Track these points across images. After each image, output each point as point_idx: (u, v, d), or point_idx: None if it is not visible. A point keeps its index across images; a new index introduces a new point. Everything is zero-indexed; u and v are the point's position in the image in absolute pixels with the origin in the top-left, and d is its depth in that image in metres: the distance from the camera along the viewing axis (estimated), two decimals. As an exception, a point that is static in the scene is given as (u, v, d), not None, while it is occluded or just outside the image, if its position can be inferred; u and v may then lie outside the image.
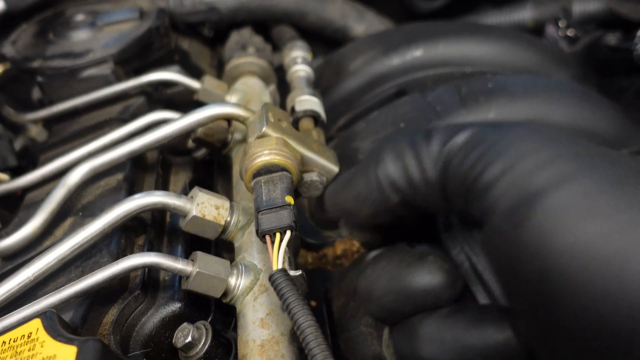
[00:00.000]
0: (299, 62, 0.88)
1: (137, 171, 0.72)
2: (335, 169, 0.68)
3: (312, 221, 0.85)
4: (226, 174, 0.81)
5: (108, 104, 0.86)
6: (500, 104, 0.81)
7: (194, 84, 0.83)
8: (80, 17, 0.94)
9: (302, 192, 0.68)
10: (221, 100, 0.84)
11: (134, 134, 0.74)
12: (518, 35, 1.01)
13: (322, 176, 0.68)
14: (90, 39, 0.90)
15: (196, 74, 1.01)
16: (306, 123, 0.77)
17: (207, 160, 0.82)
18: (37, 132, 0.95)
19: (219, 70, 1.07)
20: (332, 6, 1.07)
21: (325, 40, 1.16)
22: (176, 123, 0.68)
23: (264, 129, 0.64)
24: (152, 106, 0.87)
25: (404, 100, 0.87)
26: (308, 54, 0.90)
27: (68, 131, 0.85)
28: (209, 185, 0.78)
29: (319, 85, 1.06)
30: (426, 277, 0.46)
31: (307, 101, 0.79)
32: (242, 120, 0.69)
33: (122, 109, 0.84)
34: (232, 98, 0.85)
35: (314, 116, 0.78)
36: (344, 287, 0.72)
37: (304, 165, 0.67)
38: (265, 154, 0.60)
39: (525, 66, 0.99)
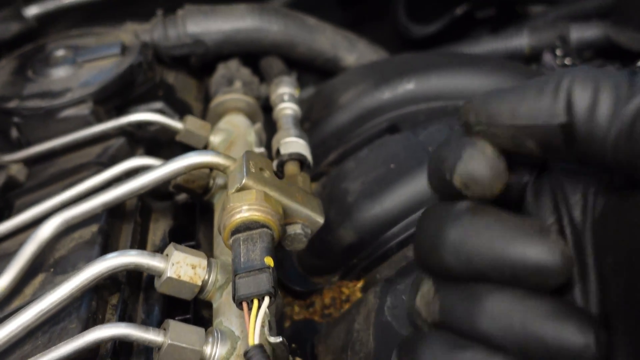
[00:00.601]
0: (286, 99, 0.85)
1: (114, 221, 0.70)
2: (320, 220, 0.66)
3: (299, 267, 0.82)
4: (209, 219, 0.78)
5: (87, 145, 0.83)
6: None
7: (176, 124, 0.81)
8: (60, 53, 0.91)
9: (285, 245, 0.65)
10: (205, 141, 0.81)
11: (111, 181, 0.71)
12: (513, 67, 0.99)
13: (307, 228, 0.65)
14: (70, 76, 0.87)
15: (182, 108, 0.98)
16: (291, 167, 0.75)
17: (189, 204, 0.79)
18: (17, 170, 0.92)
19: (206, 103, 1.05)
20: (322, 37, 1.05)
21: (316, 69, 1.14)
22: (153, 173, 0.65)
23: (244, 180, 0.61)
24: (133, 147, 0.85)
25: (395, 138, 0.85)
26: (295, 90, 0.88)
27: (46, 174, 0.83)
28: (190, 233, 0.75)
29: (309, 117, 1.03)
30: (546, 254, 0.37)
31: (292, 143, 0.76)
32: (222, 170, 0.66)
33: (101, 151, 0.82)
34: (216, 138, 0.82)
35: (300, 159, 0.75)
36: (331, 343, 0.69)
37: (288, 217, 0.64)
38: (244, 210, 0.57)
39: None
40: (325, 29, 1.06)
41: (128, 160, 0.72)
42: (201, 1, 1.24)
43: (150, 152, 0.87)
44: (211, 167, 0.66)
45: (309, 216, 0.65)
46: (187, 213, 0.79)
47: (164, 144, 0.89)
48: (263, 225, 0.58)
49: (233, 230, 0.58)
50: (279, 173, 0.77)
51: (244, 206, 0.58)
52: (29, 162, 0.86)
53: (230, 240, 0.58)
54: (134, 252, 0.57)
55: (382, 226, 0.78)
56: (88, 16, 1.32)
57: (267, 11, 1.00)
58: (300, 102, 1.06)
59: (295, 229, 0.64)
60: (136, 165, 0.72)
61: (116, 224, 0.70)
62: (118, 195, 0.65)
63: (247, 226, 0.57)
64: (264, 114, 0.92)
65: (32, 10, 1.19)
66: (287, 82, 0.88)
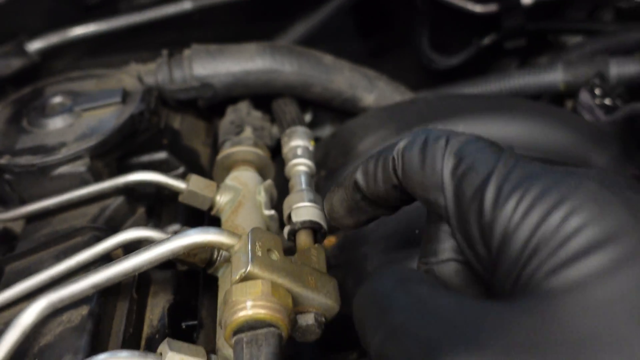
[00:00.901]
0: (299, 153, 0.78)
1: (107, 301, 0.63)
2: (335, 306, 0.59)
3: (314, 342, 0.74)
4: (215, 290, 0.71)
5: (84, 204, 0.77)
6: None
7: (178, 184, 0.74)
8: (57, 100, 0.85)
9: (296, 337, 0.58)
10: (209, 202, 0.75)
11: (104, 255, 0.65)
12: (549, 111, 0.91)
13: (320, 317, 0.58)
14: (67, 128, 0.81)
15: (188, 156, 0.92)
16: (304, 237, 0.67)
17: (192, 272, 0.72)
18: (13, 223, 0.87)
19: (215, 148, 0.98)
20: (340, 76, 0.98)
21: (334, 109, 1.07)
22: (146, 254, 0.58)
23: (249, 267, 0.54)
24: (133, 206, 0.78)
25: (419, 198, 0.77)
26: (310, 142, 0.81)
27: (39, 235, 0.77)
28: (192, 309, 0.68)
29: (325, 164, 0.96)
30: None
31: (306, 209, 0.69)
32: (225, 249, 0.59)
33: (98, 211, 0.76)
34: (222, 198, 0.76)
35: (314, 228, 0.68)
36: None
37: (299, 304, 0.57)
38: (248, 307, 0.51)
39: (558, 147, 0.88)
40: (342, 67, 0.99)
41: (123, 233, 0.65)
42: (210, 37, 1.18)
43: (151, 212, 0.80)
44: (213, 247, 0.59)
45: (323, 303, 0.58)
46: (189, 284, 0.72)
47: (168, 200, 0.82)
48: (270, 324, 0.51)
49: (235, 330, 0.51)
50: (291, 241, 0.70)
51: (248, 302, 0.51)
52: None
53: (233, 340, 0.51)
54: (124, 353, 0.51)
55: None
56: (94, 48, 1.27)
57: (279, 50, 0.93)
58: (316, 142, 0.99)
59: (308, 320, 0.57)
60: (133, 238, 0.65)
61: (110, 303, 0.64)
62: (109, 277, 0.59)
63: (251, 325, 0.51)
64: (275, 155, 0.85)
65: (35, 45, 1.14)
66: (301, 134, 0.81)
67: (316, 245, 0.67)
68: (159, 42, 1.08)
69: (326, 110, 1.10)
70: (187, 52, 0.93)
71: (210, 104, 0.97)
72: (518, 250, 0.34)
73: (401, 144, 0.43)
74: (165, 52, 0.94)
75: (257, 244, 0.57)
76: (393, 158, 0.43)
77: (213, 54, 0.92)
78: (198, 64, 0.91)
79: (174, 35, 1.29)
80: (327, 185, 0.96)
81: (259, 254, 0.56)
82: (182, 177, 0.87)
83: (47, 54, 1.16)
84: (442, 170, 0.39)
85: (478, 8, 1.25)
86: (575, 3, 1.28)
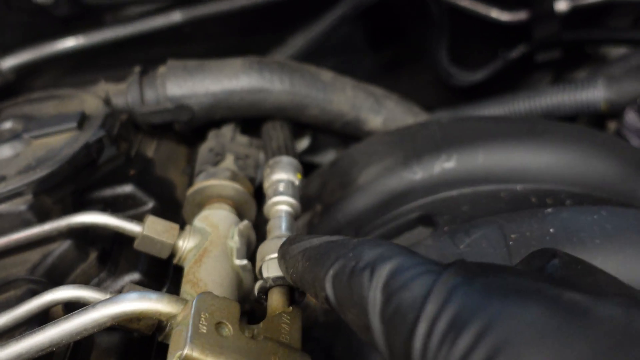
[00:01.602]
0: (281, 189, 0.66)
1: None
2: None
3: None
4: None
5: (25, 249, 0.65)
6: (567, 263, 0.56)
7: (132, 227, 0.63)
8: (7, 126, 0.75)
9: None
10: (169, 250, 0.63)
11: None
12: (588, 136, 0.77)
13: (285, 413, 0.45)
14: (11, 158, 0.71)
15: (160, 189, 0.81)
16: (276, 298, 0.55)
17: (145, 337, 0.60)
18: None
19: (196, 178, 0.86)
20: (341, 95, 0.86)
21: (335, 132, 0.94)
22: (73, 321, 0.47)
23: (186, 349, 0.42)
24: (84, 251, 0.67)
25: (426, 244, 0.63)
26: (296, 175, 0.68)
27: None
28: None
29: (321, 198, 0.84)
30: None
31: (281, 262, 0.56)
32: (165, 320, 0.47)
33: (39, 259, 0.64)
34: (186, 243, 0.64)
35: (290, 286, 0.55)
36: None
37: (257, 396, 0.44)
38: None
39: (600, 180, 0.74)
40: (344, 85, 0.87)
41: (53, 291, 0.54)
42: (202, 51, 1.08)
43: (107, 257, 0.69)
44: (148, 317, 0.47)
45: (289, 395, 0.45)
46: (141, 350, 0.60)
47: (129, 242, 0.71)
48: None
49: None
50: (262, 301, 0.57)
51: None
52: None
53: None
54: None
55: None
56: (78, 65, 1.18)
57: (268, 66, 0.82)
58: (315, 170, 0.87)
59: (266, 419, 0.44)
60: (62, 299, 0.54)
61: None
62: (32, 347, 0.47)
63: None
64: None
65: (8, 62, 1.05)
66: (286, 165, 0.69)
67: (291, 308, 0.54)
68: (148, 58, 0.98)
69: (330, 133, 0.98)
70: (161, 70, 0.82)
71: (190, 128, 0.86)
72: None
73: (331, 272, 0.40)
74: (137, 69, 0.83)
75: (202, 316, 0.45)
76: (323, 288, 0.41)
77: (191, 71, 0.81)
78: (173, 83, 0.80)
79: (164, 50, 1.19)
80: (322, 223, 0.83)
81: (204, 329, 0.44)
82: (153, 213, 0.77)
83: (23, 71, 1.07)
84: (370, 312, 0.36)
85: (505, 16, 1.12)
86: (617, 9, 1.13)
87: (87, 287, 0.54)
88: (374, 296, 0.36)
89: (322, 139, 1.02)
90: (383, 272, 0.37)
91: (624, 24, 1.15)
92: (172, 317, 0.47)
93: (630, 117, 0.89)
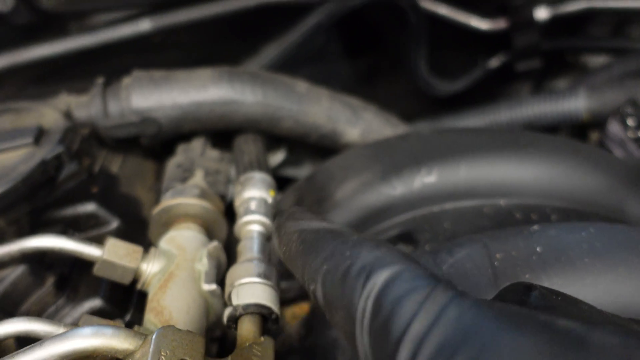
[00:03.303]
0: (253, 208, 0.62)
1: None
2: None
3: None
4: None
5: (-25, 275, 0.61)
6: (554, 285, 0.54)
7: (91, 251, 0.58)
8: (-42, 141, 0.70)
9: None
10: (131, 275, 0.58)
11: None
12: (573, 149, 0.74)
13: None
14: (-39, 177, 0.65)
15: (126, 207, 0.77)
16: (247, 327, 0.51)
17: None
18: None
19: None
20: (316, 107, 0.82)
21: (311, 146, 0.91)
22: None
23: (145, 393, 0.38)
24: (40, 277, 0.62)
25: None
26: (269, 192, 0.65)
27: None
28: None
29: (297, 214, 0.80)
30: None
31: (252, 288, 0.53)
32: (121, 357, 0.43)
33: (-10, 286, 0.59)
34: (151, 267, 0.60)
35: (262, 314, 0.52)
36: None
37: None
38: None
39: (586, 194, 0.71)
40: (320, 96, 0.84)
41: (1, 324, 0.49)
42: (173, 61, 1.04)
43: (65, 283, 0.64)
44: (103, 354, 0.43)
45: None
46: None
47: (89, 266, 0.66)
48: None
49: None
50: (232, 330, 0.53)
51: None
52: None
53: None
54: None
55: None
56: (42, 75, 1.13)
57: (239, 77, 0.78)
58: (290, 184, 0.83)
59: None
60: (10, 333, 0.49)
61: None
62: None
63: None
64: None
65: (-38, 73, 1.00)
66: (258, 182, 0.65)
67: (263, 338, 0.50)
68: (116, 68, 0.93)
69: (306, 146, 0.94)
70: (126, 81, 0.78)
71: (158, 143, 0.81)
72: None
73: (324, 267, 0.38)
74: (100, 80, 0.79)
75: (162, 353, 0.41)
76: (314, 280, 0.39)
77: (157, 82, 0.77)
78: (138, 95, 0.76)
79: (133, 60, 1.14)
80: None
81: (164, 368, 0.40)
82: (117, 233, 0.73)
83: (-19, 83, 1.02)
84: (357, 322, 0.34)
85: (484, 25, 1.10)
86: (597, 18, 1.12)
87: (37, 320, 0.50)
88: (364, 306, 0.34)
89: (299, 151, 0.99)
90: (378, 280, 0.35)
91: (605, 33, 1.14)
92: (129, 354, 0.43)
93: (613, 127, 0.88)
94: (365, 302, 0.34)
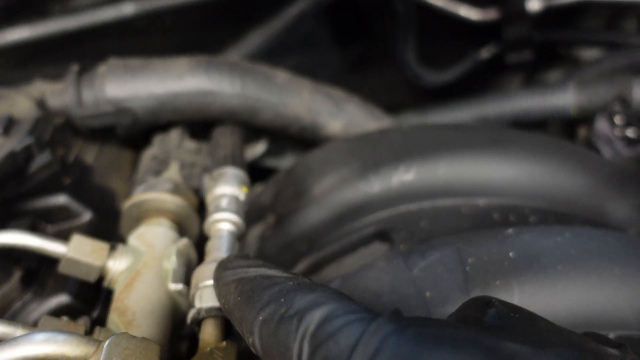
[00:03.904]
0: (223, 205, 0.61)
1: None
2: None
3: None
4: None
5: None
6: (525, 292, 0.53)
7: (55, 247, 0.57)
8: None
9: None
10: (97, 272, 0.58)
11: None
12: (555, 147, 0.73)
13: None
14: None
15: (100, 199, 0.76)
16: (210, 330, 0.51)
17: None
18: None
19: (141, 186, 0.81)
20: (297, 98, 0.81)
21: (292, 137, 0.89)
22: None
23: (92, 405, 0.37)
24: (6, 273, 0.61)
25: (379, 266, 0.59)
26: (241, 188, 0.63)
27: None
28: None
29: (274, 208, 0.79)
30: None
31: (216, 290, 0.52)
32: (75, 365, 0.42)
33: (-45, 281, 0.59)
34: (117, 264, 0.59)
35: (226, 318, 0.51)
36: None
37: None
38: None
39: (567, 194, 0.70)
40: (301, 87, 0.82)
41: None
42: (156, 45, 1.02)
43: (32, 277, 0.63)
44: (56, 361, 0.42)
45: None
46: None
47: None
48: None
49: None
50: (196, 332, 0.53)
51: None
52: None
53: None
54: None
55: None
56: (21, 59, 1.11)
57: (216, 67, 0.76)
58: (271, 176, 0.82)
59: None
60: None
61: None
62: None
63: None
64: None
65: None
66: (230, 178, 0.64)
67: (225, 342, 0.50)
68: (98, 52, 0.92)
69: (288, 136, 0.93)
70: (101, 69, 0.76)
71: (134, 133, 0.80)
72: None
73: (260, 317, 0.38)
74: (74, 67, 0.77)
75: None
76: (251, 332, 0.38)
77: (133, 72, 0.75)
78: (113, 84, 0.74)
79: (116, 44, 1.13)
80: (275, 236, 0.78)
81: (115, 376, 0.39)
82: (89, 226, 0.72)
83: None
84: None
85: (474, 15, 1.08)
86: (591, 10, 1.09)
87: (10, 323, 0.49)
88: (300, 347, 0.34)
89: (281, 141, 0.97)
90: (311, 320, 0.34)
91: (598, 25, 1.11)
92: (81, 361, 0.42)
93: (600, 124, 0.86)
94: (300, 344, 0.33)
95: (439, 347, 0.29)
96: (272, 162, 0.98)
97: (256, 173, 0.88)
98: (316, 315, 0.34)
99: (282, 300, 0.37)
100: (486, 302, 0.38)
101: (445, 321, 0.35)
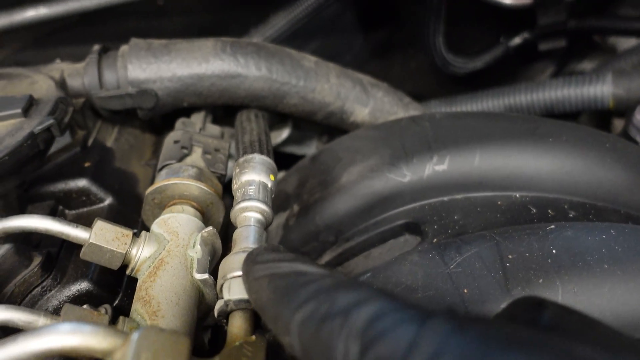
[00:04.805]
0: (251, 193, 0.59)
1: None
2: None
3: None
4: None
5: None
6: (569, 291, 0.50)
7: (77, 233, 0.56)
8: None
9: None
10: (119, 260, 0.56)
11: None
12: (596, 140, 0.70)
13: None
14: (-54, 148, 0.62)
15: (120, 184, 0.74)
16: (238, 324, 0.49)
17: None
18: None
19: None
20: (324, 83, 0.78)
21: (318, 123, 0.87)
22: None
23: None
24: (25, 256, 0.60)
25: (412, 260, 0.57)
26: (269, 176, 0.61)
27: None
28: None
29: (300, 196, 0.77)
30: None
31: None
32: (102, 357, 0.40)
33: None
34: (140, 252, 0.57)
35: (255, 310, 0.49)
36: None
37: None
38: None
39: (608, 190, 0.67)
40: (328, 72, 0.80)
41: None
42: (179, 27, 1.00)
43: (52, 263, 0.62)
44: (81, 355, 0.40)
45: None
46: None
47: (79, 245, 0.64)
48: None
49: None
50: (223, 325, 0.51)
51: None
52: None
53: None
54: None
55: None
56: (41, 38, 1.09)
57: (242, 49, 0.74)
58: (297, 162, 0.80)
59: None
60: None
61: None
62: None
63: None
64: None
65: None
66: (257, 165, 0.62)
67: (255, 336, 0.48)
68: (119, 33, 0.89)
69: (312, 123, 0.90)
70: (123, 49, 0.74)
71: (155, 116, 0.78)
72: None
73: (298, 316, 0.35)
74: (96, 47, 0.75)
75: (143, 356, 0.38)
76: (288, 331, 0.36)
77: (156, 53, 0.73)
78: (135, 65, 0.72)
79: (137, 24, 1.11)
80: (299, 225, 0.76)
81: (144, 373, 0.37)
82: (110, 210, 0.70)
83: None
84: None
85: (507, 0, 1.04)
86: (630, -3, 1.06)
87: (15, 309, 0.48)
88: (346, 347, 0.32)
89: (305, 127, 0.95)
90: (359, 319, 0.32)
91: (636, 14, 1.08)
92: (108, 354, 0.40)
93: (639, 118, 0.83)
94: (346, 343, 0.31)
95: (509, 348, 0.27)
96: (294, 149, 0.96)
97: (276, 159, 0.86)
98: (363, 314, 0.32)
99: (322, 297, 0.35)
100: (538, 303, 0.36)
101: (505, 321, 0.32)
